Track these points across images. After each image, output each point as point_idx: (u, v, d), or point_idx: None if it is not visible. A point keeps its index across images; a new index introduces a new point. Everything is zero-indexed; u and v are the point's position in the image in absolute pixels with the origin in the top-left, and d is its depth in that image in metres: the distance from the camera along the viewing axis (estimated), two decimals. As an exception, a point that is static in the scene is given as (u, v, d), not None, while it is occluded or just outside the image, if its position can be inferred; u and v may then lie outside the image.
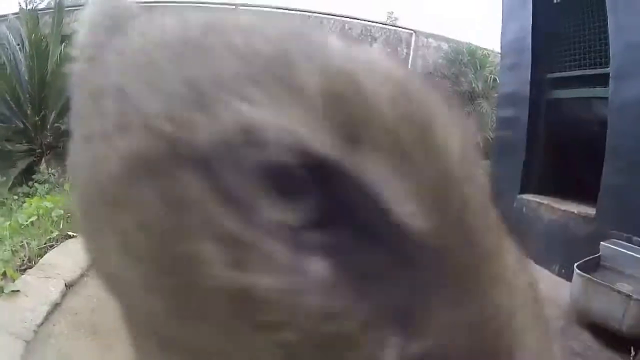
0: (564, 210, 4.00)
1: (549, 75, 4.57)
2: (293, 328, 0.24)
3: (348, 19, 13.33)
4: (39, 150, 5.91)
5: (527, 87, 4.66)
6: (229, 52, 0.28)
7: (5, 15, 9.60)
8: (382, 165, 0.24)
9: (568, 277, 3.39)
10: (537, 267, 3.98)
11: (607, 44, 3.79)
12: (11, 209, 4.23)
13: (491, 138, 10.20)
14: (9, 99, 5.87)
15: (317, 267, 0.24)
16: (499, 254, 0.27)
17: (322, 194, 0.25)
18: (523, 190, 4.67)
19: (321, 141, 0.24)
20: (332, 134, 0.25)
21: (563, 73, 4.43)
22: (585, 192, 3.90)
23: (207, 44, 0.29)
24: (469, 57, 11.80)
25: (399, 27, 14.32)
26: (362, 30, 13.13)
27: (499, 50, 5.79)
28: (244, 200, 0.25)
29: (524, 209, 4.53)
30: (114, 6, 0.39)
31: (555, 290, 3.46)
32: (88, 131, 0.31)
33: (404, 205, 0.24)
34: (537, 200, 4.41)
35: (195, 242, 0.25)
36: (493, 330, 0.26)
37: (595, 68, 4.06)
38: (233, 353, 0.27)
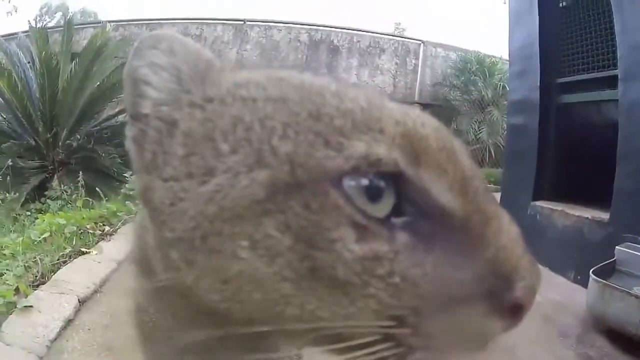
0: (578, 216, 3.95)
1: (558, 80, 4.53)
2: (395, 274, 0.43)
3: (356, 32, 13.40)
4: (51, 167, 5.95)
5: (537, 93, 4.63)
6: (336, 110, 0.46)
7: (15, 34, 9.74)
8: (431, 174, 0.45)
9: (584, 283, 3.35)
10: (553, 274, 3.94)
11: (614, 46, 3.77)
12: (24, 224, 4.26)
13: (502, 145, 10.20)
14: (20, 116, 5.93)
15: (402, 237, 0.44)
16: (497, 215, 0.48)
17: (398, 193, 0.44)
18: (536, 197, 4.61)
19: (399, 162, 0.43)
20: (404, 157, 0.44)
21: (572, 77, 4.40)
22: (598, 196, 3.86)
23: (317, 103, 0.47)
24: (477, 66, 11.79)
25: (407, 38, 14.38)
26: (370, 42, 13.17)
27: (507, 57, 5.78)
28: (360, 201, 0.43)
29: (537, 216, 4.48)
30: (197, 58, 0.51)
31: (571, 297, 3.42)
32: (202, 170, 0.46)
33: (444, 195, 0.45)
34: (550, 206, 4.36)
35: (333, 229, 0.42)
36: (501, 259, 0.45)
37: (604, 70, 4.03)
38: (349, 308, 0.44)
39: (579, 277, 3.68)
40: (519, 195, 4.78)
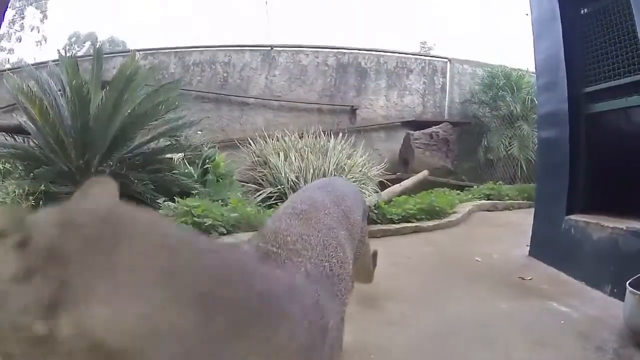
0: (613, 227, 3.81)
1: (586, 89, 4.44)
2: None
3: (383, 53, 13.44)
4: (84, 192, 6.04)
5: (565, 105, 4.53)
6: None
7: (45, 62, 10.03)
8: None
9: (620, 296, 3.25)
10: (589, 288, 3.82)
11: (639, 49, 3.69)
12: None
13: (534, 160, 10.02)
14: (52, 142, 6.06)
15: None
16: None
17: None
18: (570, 211, 4.47)
19: None
20: None
21: (600, 85, 4.30)
22: (633, 206, 3.74)
23: None
24: (504, 80, 11.69)
25: (434, 56, 14.36)
26: (397, 63, 13.20)
27: (533, 70, 5.71)
28: None
29: (572, 230, 4.34)
30: None
31: (608, 310, 3.30)
32: None
33: None
34: (585, 219, 4.22)
35: None
36: None
37: (630, 75, 3.93)
38: None
39: (615, 290, 3.55)
40: (552, 210, 4.67)
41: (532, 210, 5.20)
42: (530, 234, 4.98)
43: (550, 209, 4.74)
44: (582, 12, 4.50)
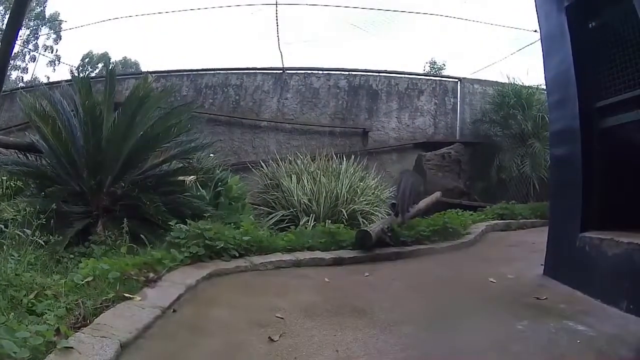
0: (628, 243, 3.73)
1: (598, 104, 4.39)
2: None
3: (394, 75, 13.49)
4: (95, 212, 6.04)
5: (577, 121, 4.48)
6: None
7: (58, 82, 10.15)
8: None
9: (638, 312, 3.20)
10: (605, 306, 3.74)
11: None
12: (67, 267, 4.29)
13: (546, 178, 9.94)
14: (64, 162, 6.10)
15: None
16: None
17: None
18: (584, 228, 4.39)
19: None
20: None
21: (612, 99, 4.24)
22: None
23: None
24: (515, 99, 11.65)
25: (444, 77, 14.44)
26: (408, 84, 13.25)
27: (544, 87, 5.67)
28: None
29: (586, 247, 4.26)
30: None
31: (625, 327, 3.23)
32: None
33: None
34: (599, 236, 4.14)
35: None
36: None
37: (641, 88, 3.88)
38: None
39: (631, 307, 3.46)
40: (566, 227, 4.61)
41: (546, 228, 5.14)
42: (545, 253, 4.90)
43: (564, 226, 4.68)
44: (590, 26, 4.48)
